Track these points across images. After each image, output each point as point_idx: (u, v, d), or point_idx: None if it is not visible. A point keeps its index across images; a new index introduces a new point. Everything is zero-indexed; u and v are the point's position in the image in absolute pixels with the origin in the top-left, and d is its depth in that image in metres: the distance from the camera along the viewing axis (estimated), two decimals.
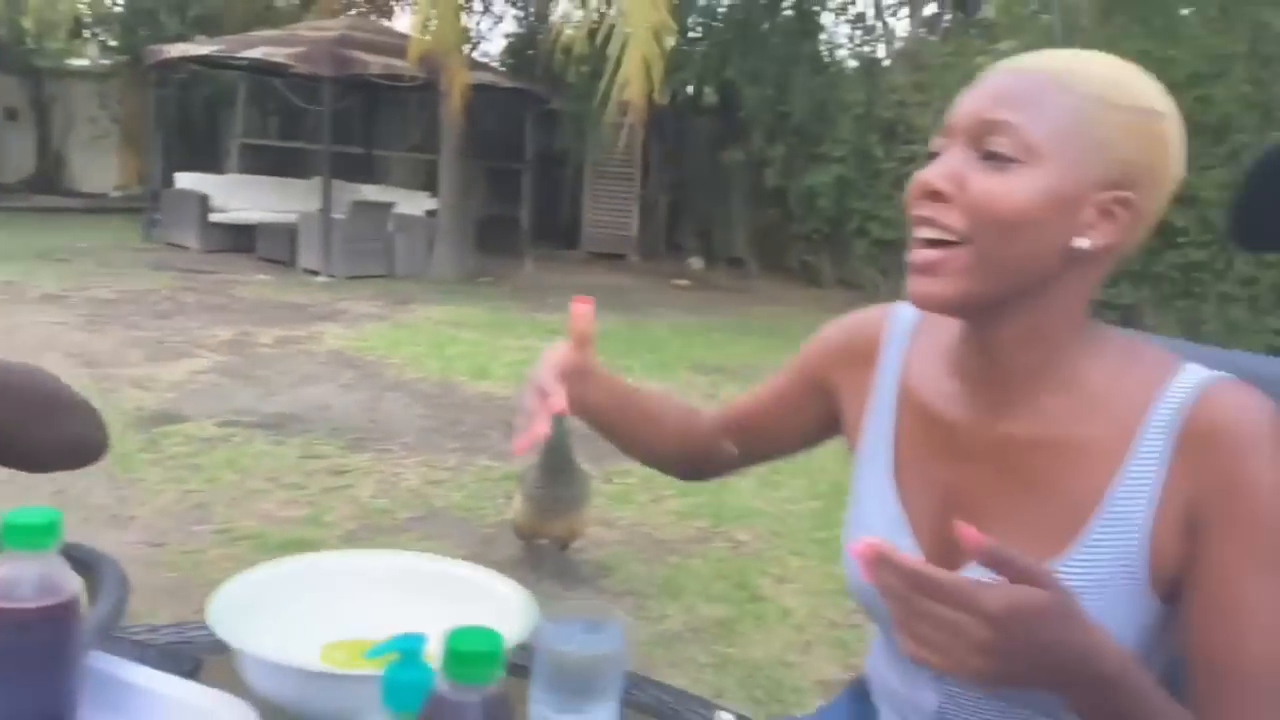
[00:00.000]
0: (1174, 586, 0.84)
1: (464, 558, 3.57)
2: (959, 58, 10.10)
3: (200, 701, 0.85)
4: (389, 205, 10.18)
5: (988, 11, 10.91)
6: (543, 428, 1.05)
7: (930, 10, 11.43)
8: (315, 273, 9.56)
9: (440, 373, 6.13)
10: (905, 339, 1.02)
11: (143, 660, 0.95)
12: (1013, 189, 0.82)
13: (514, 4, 14.73)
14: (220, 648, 0.92)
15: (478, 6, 14.64)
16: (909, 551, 0.93)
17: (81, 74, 15.19)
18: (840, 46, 12.09)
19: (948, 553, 0.88)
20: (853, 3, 11.62)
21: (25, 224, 11.30)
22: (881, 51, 11.24)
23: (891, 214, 10.36)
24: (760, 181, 11.70)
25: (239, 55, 11.04)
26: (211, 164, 12.66)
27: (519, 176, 12.14)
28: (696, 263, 12.43)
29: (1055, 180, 0.82)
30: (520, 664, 0.97)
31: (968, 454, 0.92)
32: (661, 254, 12.88)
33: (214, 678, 0.99)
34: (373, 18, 14.27)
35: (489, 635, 0.65)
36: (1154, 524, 0.83)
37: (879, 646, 1.07)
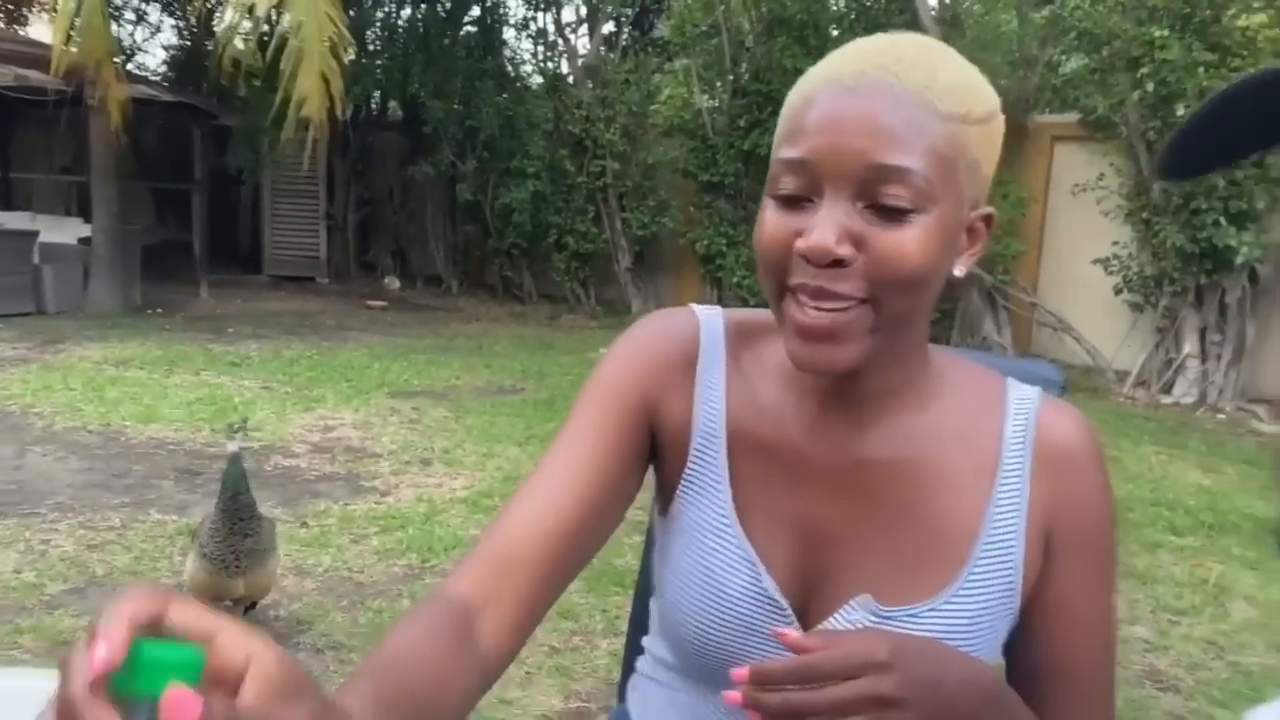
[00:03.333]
0: (1025, 601, 0.85)
1: None
2: (638, 74, 10.46)
3: None
4: (33, 234, 9.01)
5: (663, 30, 11.35)
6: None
7: (609, 29, 11.72)
8: None
9: (100, 419, 5.45)
10: (722, 353, 0.90)
11: None
12: (914, 244, 0.74)
13: (172, 14, 13.65)
14: None
15: (130, 16, 13.43)
16: (770, 590, 0.84)
17: None
18: (525, 62, 12.15)
19: (811, 590, 0.85)
20: (534, 19, 11.70)
21: None
22: (565, 67, 11.39)
23: (586, 228, 10.53)
24: (454, 198, 11.52)
25: None
26: None
27: (189, 198, 11.18)
28: (392, 282, 12.04)
29: (946, 219, 0.76)
30: None
31: (821, 485, 0.85)
32: (353, 275, 12.37)
33: None
34: (2, 26, 12.67)
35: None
36: (1025, 545, 0.83)
37: (684, 705, 0.93)
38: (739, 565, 0.85)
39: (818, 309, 0.75)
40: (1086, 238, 8.18)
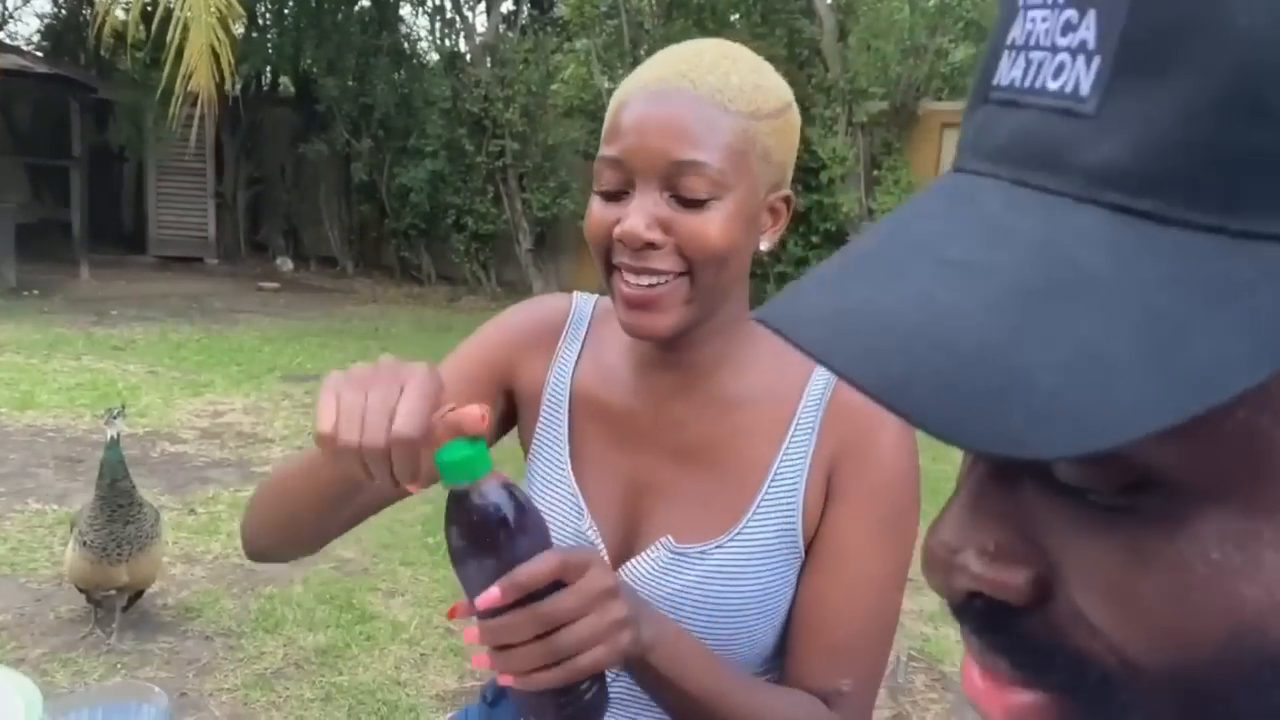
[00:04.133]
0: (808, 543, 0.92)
1: (10, 622, 3.05)
2: (537, 53, 10.39)
3: None
4: None
5: (562, 10, 11.29)
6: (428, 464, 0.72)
7: (508, 7, 11.61)
8: None
9: None
10: (582, 331, 1.03)
11: None
12: (714, 225, 0.85)
13: None
14: None
15: None
16: (588, 532, 0.94)
17: None
18: (421, 40, 11.95)
19: (627, 534, 0.95)
20: None
21: None
22: (463, 45, 11.24)
23: (486, 209, 10.44)
24: (349, 177, 11.29)
25: None
26: None
27: (67, 175, 10.70)
28: (285, 263, 11.74)
29: (743, 203, 0.87)
30: None
31: (647, 442, 0.95)
32: (244, 255, 12.03)
33: None
34: None
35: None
36: (805, 491, 0.91)
37: None
38: (568, 511, 0.96)
39: (637, 282, 0.86)
40: None
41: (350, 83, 10.75)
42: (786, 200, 0.92)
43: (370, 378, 0.73)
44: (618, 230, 0.85)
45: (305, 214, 11.97)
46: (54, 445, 4.67)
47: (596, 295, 1.07)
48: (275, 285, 10.52)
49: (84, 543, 2.74)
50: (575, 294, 1.06)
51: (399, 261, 11.43)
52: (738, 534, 0.90)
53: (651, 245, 0.84)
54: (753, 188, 0.87)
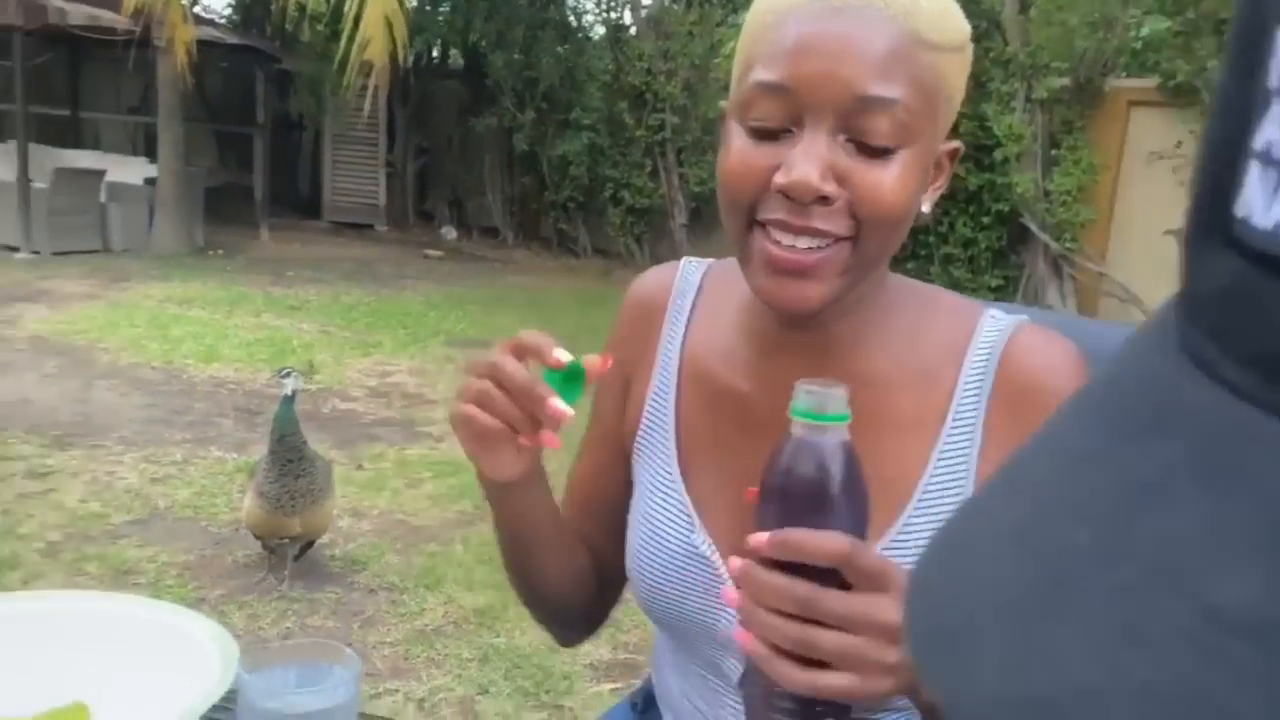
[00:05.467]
0: None
1: (193, 563, 3.20)
2: (702, 26, 10.30)
3: None
4: (100, 173, 9.15)
5: None
6: (553, 441, 0.77)
7: None
8: (14, 249, 8.48)
9: (164, 357, 5.55)
10: (689, 300, 0.88)
11: None
12: (896, 181, 0.70)
13: None
14: None
15: None
16: (702, 546, 0.82)
17: None
18: (587, 13, 12.02)
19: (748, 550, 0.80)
20: None
21: None
22: (628, 18, 11.24)
23: (643, 182, 10.45)
24: (512, 149, 11.49)
25: None
26: None
27: (251, 142, 11.27)
28: (449, 232, 12.07)
29: (923, 154, 0.72)
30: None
31: (760, 427, 0.80)
32: (411, 223, 12.42)
33: None
34: None
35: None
36: (974, 490, 0.76)
37: (671, 662, 0.93)
38: (677, 517, 0.84)
39: (794, 244, 0.71)
40: (1160, 208, 7.92)
41: (516, 56, 10.92)
42: (953, 154, 0.78)
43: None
44: (782, 178, 0.69)
45: (469, 185, 12.26)
46: (234, 397, 4.92)
47: (710, 261, 0.92)
48: (439, 253, 10.83)
49: (260, 493, 2.86)
50: (684, 260, 0.92)
51: (556, 233, 11.59)
52: (889, 542, 0.76)
53: (824, 199, 0.69)
54: (934, 135, 0.73)
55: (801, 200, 0.69)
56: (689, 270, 0.90)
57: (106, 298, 7.05)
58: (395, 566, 3.23)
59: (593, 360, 0.75)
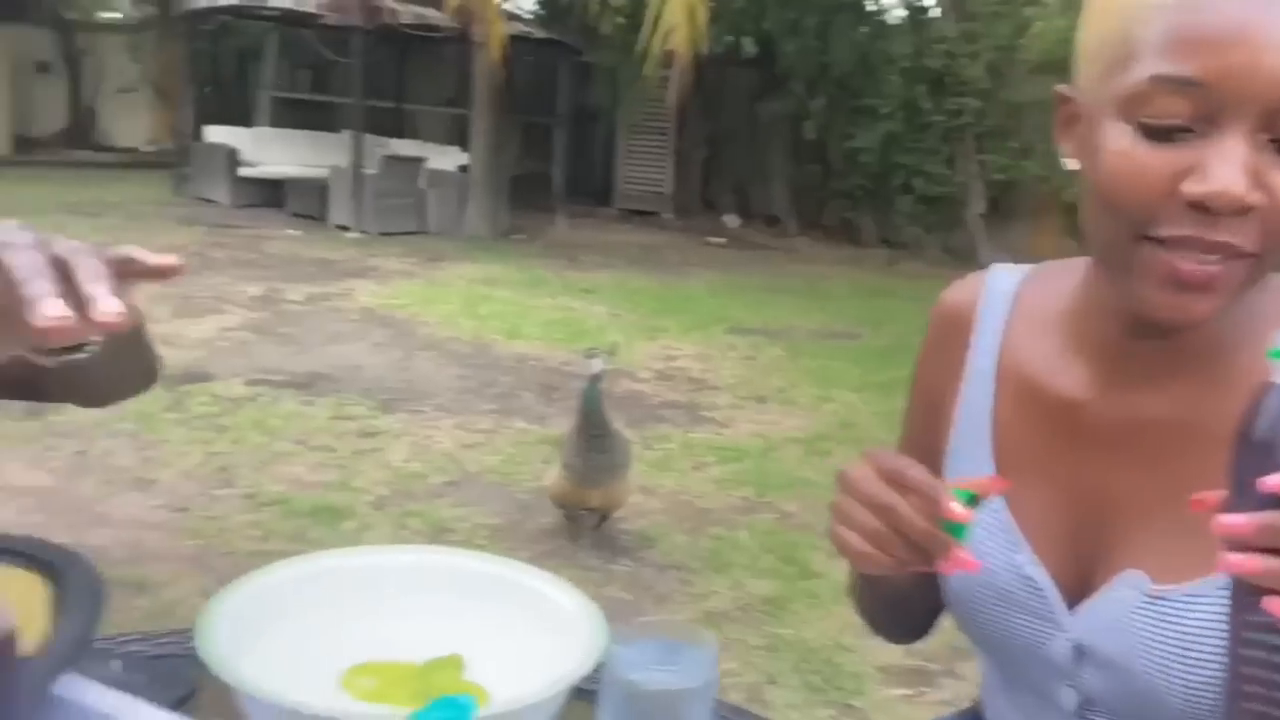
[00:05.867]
0: None
1: (500, 525, 3.42)
2: (1009, 6, 9.74)
3: None
4: (420, 160, 9.99)
5: None
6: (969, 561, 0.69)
7: None
8: (346, 228, 9.41)
9: (473, 332, 5.97)
10: (1005, 307, 0.83)
11: (128, 685, 0.78)
12: None
13: None
14: None
15: None
16: (1028, 568, 0.77)
17: (112, 26, 15.09)
18: None
19: (1083, 564, 0.76)
20: None
21: (56, 178, 11.20)
22: (929, 0, 10.84)
23: (937, 170, 10.06)
24: (799, 137, 11.40)
25: (268, 5, 10.84)
26: (241, 117, 12.49)
27: (551, 132, 11.88)
28: (732, 220, 12.17)
29: None
30: (588, 689, 0.78)
31: (1096, 442, 0.75)
32: (696, 211, 12.63)
33: (211, 708, 0.82)
34: None
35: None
36: None
37: (996, 682, 0.89)
38: (996, 535, 0.78)
39: (1206, 259, 0.63)
40: None
41: (811, 42, 10.81)
42: None
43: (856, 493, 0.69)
44: (1198, 187, 0.61)
45: (754, 173, 12.30)
46: (535, 373, 5.21)
47: (1026, 267, 0.85)
48: (722, 241, 10.95)
49: (566, 465, 3.01)
50: (991, 270, 0.86)
51: (840, 222, 11.39)
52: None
53: (1246, 211, 0.62)
54: None
55: (1224, 211, 0.62)
56: (1000, 279, 0.84)
57: (424, 276, 7.68)
58: (682, 546, 3.30)
59: (983, 485, 0.69)
